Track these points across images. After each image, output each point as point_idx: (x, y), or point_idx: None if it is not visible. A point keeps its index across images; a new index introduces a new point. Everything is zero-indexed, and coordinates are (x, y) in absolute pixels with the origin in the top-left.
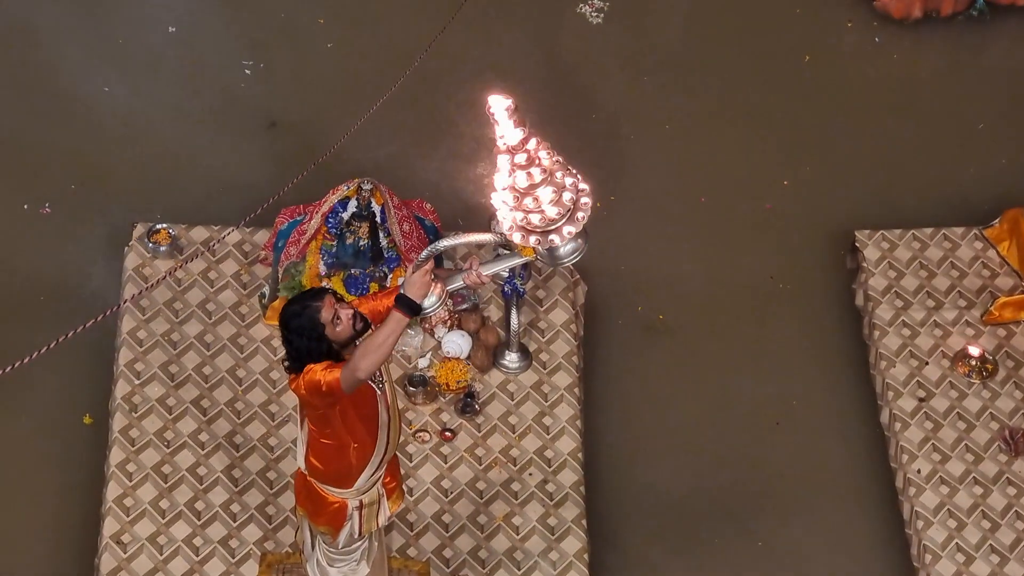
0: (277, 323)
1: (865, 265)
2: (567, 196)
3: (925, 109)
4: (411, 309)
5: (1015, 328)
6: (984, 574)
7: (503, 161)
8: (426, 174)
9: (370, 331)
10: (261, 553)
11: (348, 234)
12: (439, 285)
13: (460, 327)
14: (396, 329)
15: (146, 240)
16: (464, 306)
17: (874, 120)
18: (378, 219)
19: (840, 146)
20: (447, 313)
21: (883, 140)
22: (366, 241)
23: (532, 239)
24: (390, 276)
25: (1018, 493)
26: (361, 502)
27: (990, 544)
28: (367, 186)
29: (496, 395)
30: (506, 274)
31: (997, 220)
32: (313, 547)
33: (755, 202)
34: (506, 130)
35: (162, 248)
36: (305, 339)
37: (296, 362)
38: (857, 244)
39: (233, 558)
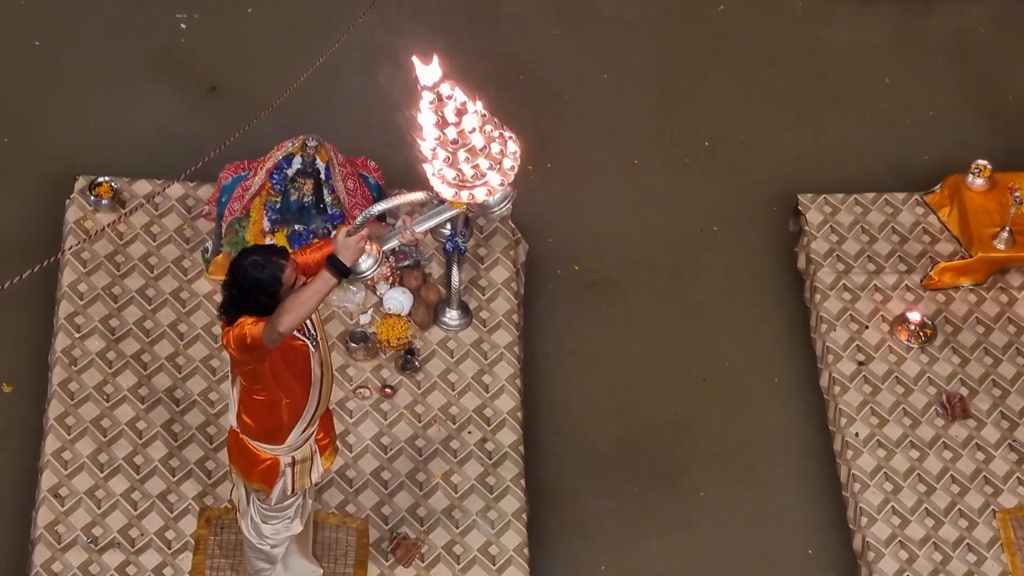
0: (220, 278)
1: (807, 229)
2: (495, 148)
3: (869, 74)
4: (340, 271)
5: (954, 293)
6: (919, 537)
7: (429, 116)
8: (370, 132)
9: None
10: (200, 508)
11: (292, 191)
12: (375, 247)
13: (401, 284)
14: (322, 289)
15: (88, 193)
16: (406, 263)
17: (820, 84)
18: (323, 176)
19: (785, 109)
20: (389, 270)
21: (827, 104)
22: (310, 198)
23: (464, 194)
24: (334, 233)
25: (954, 457)
26: (293, 459)
27: (925, 507)
28: (312, 143)
29: (436, 352)
30: (448, 232)
31: (938, 186)
32: (248, 504)
33: (694, 164)
34: (428, 79)
35: (104, 201)
36: (259, 293)
37: (235, 312)
38: (800, 208)
39: (171, 512)
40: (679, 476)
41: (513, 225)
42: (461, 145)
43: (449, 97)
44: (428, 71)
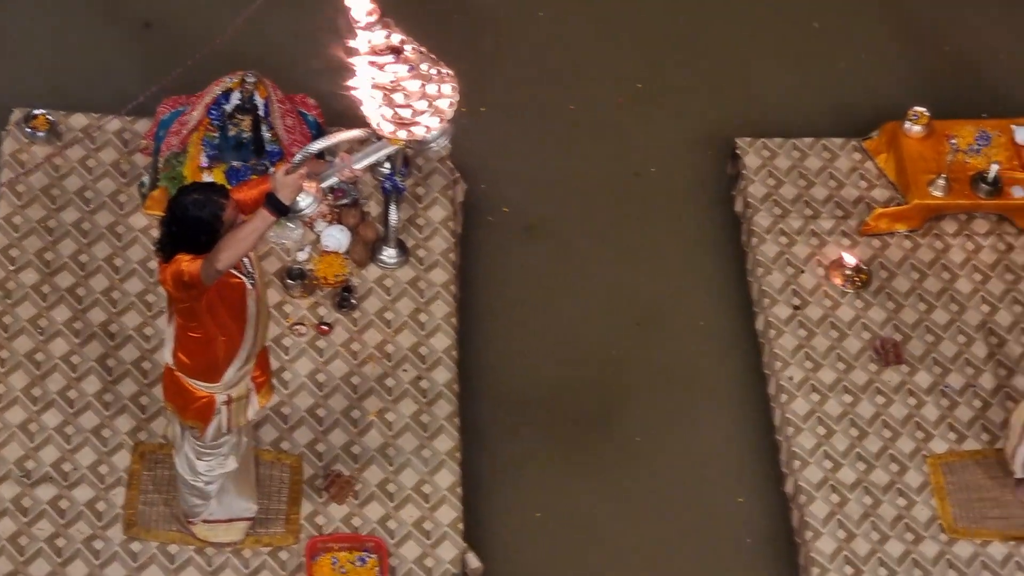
0: (157, 212)
1: (745, 172)
2: (432, 87)
3: (808, 20)
4: (279, 209)
5: (890, 239)
6: (850, 481)
7: (365, 55)
8: (309, 68)
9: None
10: (134, 443)
11: (231, 126)
12: (314, 185)
13: (340, 222)
14: (259, 227)
15: (23, 125)
16: (344, 201)
17: (753, 27)
18: (261, 112)
19: (721, 53)
20: (327, 208)
21: (762, 49)
22: (249, 134)
23: (402, 132)
24: (272, 171)
25: (886, 402)
26: (229, 396)
27: (857, 451)
28: (251, 79)
29: (373, 290)
30: (387, 170)
31: (876, 132)
32: (182, 441)
33: (631, 107)
34: (361, 15)
35: (40, 134)
36: (198, 232)
37: (172, 250)
38: (738, 151)
39: (105, 447)
40: (613, 420)
41: (452, 165)
42: (397, 84)
43: (386, 36)
44: (360, 6)
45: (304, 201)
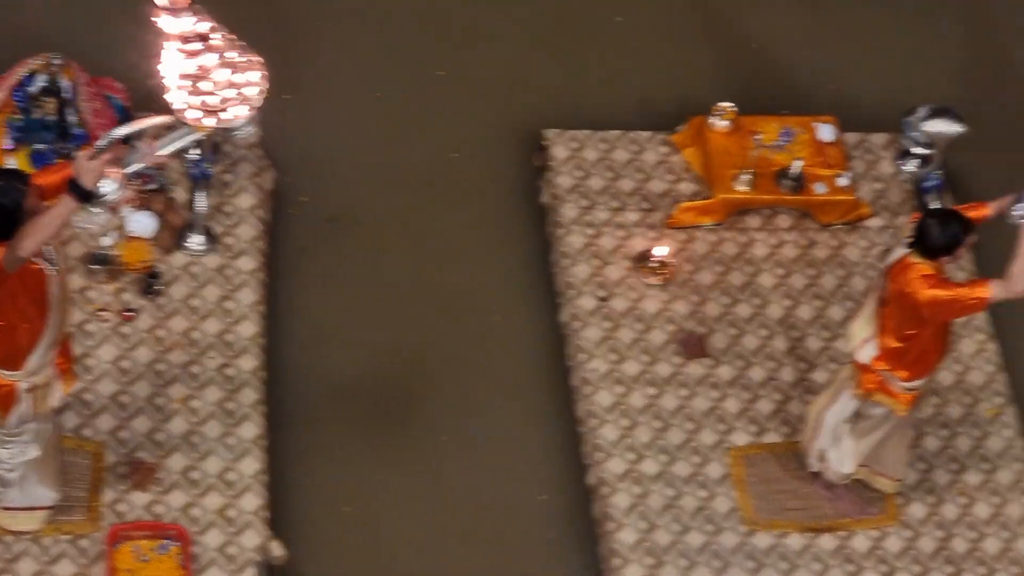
0: None
1: (552, 164)
2: (240, 76)
3: (615, 13)
4: (81, 195)
5: (695, 233)
6: (653, 472)
7: (174, 42)
8: (117, 52)
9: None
10: None
11: (35, 109)
12: (118, 170)
13: (146, 207)
14: (63, 213)
15: None
16: (151, 186)
17: (564, 21)
18: (68, 95)
19: (529, 43)
20: (134, 193)
21: (572, 41)
22: (54, 117)
23: (209, 119)
24: (76, 155)
25: (689, 395)
26: (32, 384)
27: (660, 443)
28: (57, 61)
29: (180, 277)
30: (195, 156)
31: (682, 126)
32: None
33: (439, 96)
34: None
35: None
36: None
37: None
38: (545, 143)
39: None
40: (419, 412)
41: (261, 152)
42: (205, 71)
43: (195, 23)
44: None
45: (107, 187)
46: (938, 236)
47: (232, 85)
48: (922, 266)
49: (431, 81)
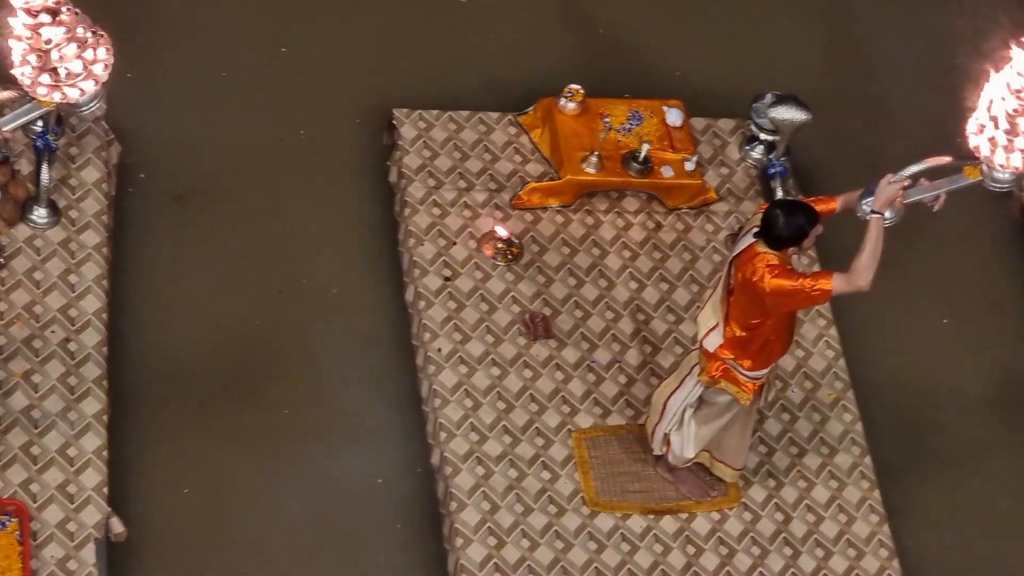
0: None
1: (401, 143)
2: (88, 51)
3: None
4: None
5: (542, 214)
6: (496, 453)
7: (21, 16)
8: None
9: None
10: None
11: None
12: None
13: None
14: None
15: None
16: None
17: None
18: None
19: (378, 21)
20: None
21: (429, 21)
22: None
23: (55, 94)
24: None
25: (533, 376)
26: None
27: (504, 424)
28: None
29: (22, 250)
30: (39, 129)
31: (532, 108)
32: None
33: (281, 73)
34: None
35: None
36: None
37: None
38: (394, 122)
39: None
40: (263, 391)
41: (107, 126)
42: (53, 46)
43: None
44: None
45: None
46: (784, 227)
47: (80, 60)
48: (768, 256)
49: (278, 59)
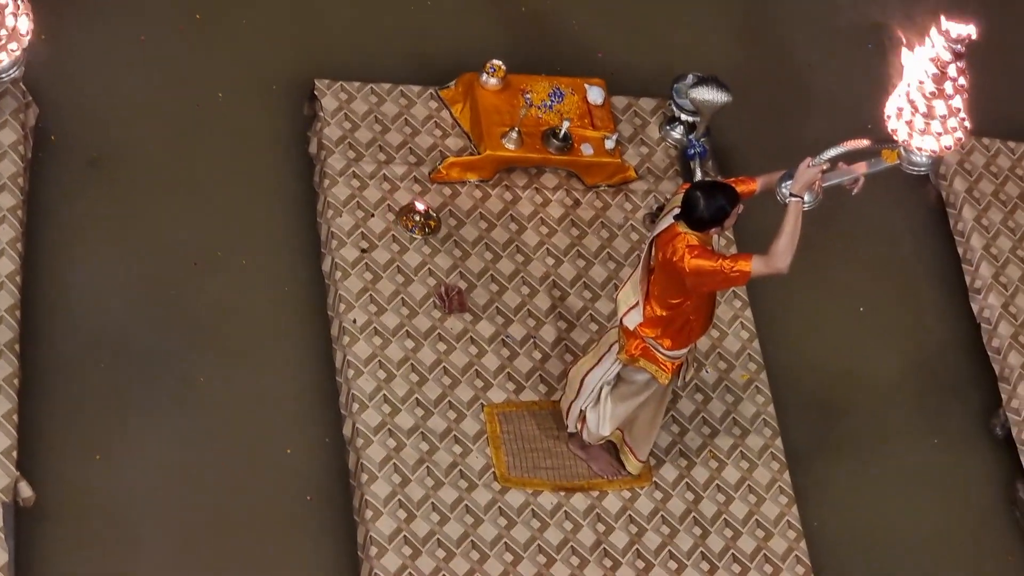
0: None
1: (321, 114)
2: (9, 18)
3: None
4: None
5: (461, 188)
6: (408, 425)
7: None
8: None
9: None
10: None
11: None
12: None
13: None
14: None
15: None
16: None
17: None
18: None
19: None
20: None
21: None
22: None
23: None
24: None
25: (448, 349)
26: None
27: (416, 397)
28: None
29: None
30: None
31: (453, 82)
32: None
33: (197, 39)
34: None
35: None
36: None
37: None
38: (315, 93)
39: None
40: (177, 361)
41: (24, 88)
42: None
43: None
44: None
45: None
46: (704, 208)
47: (2, 27)
48: (689, 236)
49: (195, 25)
